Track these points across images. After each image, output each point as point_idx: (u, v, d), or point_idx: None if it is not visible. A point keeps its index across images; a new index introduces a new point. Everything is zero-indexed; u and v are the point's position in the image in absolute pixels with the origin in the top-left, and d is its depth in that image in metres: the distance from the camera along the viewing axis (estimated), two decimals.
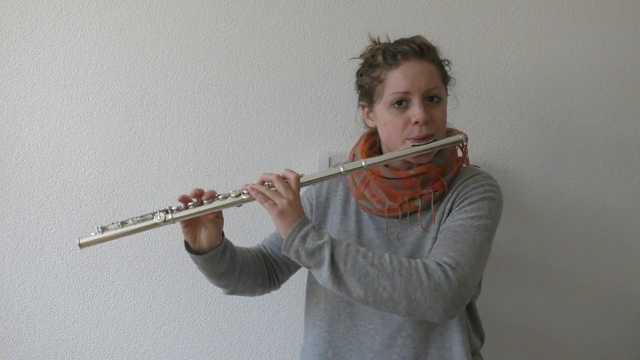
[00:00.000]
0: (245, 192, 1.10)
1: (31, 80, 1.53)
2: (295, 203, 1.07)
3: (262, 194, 1.07)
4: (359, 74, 1.25)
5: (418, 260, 1.05)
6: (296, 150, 1.59)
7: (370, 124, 1.24)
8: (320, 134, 1.59)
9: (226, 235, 1.20)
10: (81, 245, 1.08)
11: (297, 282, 1.57)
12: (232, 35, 1.57)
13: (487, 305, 1.61)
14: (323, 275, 1.03)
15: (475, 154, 1.34)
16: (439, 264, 1.03)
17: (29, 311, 1.56)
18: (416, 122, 1.13)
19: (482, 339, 1.25)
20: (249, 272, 1.24)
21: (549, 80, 1.63)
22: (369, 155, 1.21)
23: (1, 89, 1.52)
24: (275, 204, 1.06)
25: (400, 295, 1.00)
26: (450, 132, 1.25)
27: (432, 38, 1.20)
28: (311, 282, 1.28)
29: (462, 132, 1.25)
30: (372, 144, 1.26)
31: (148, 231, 1.54)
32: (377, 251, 1.06)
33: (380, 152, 1.25)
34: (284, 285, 1.35)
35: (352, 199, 1.26)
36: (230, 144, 1.58)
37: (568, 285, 1.68)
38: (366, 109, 1.24)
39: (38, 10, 1.52)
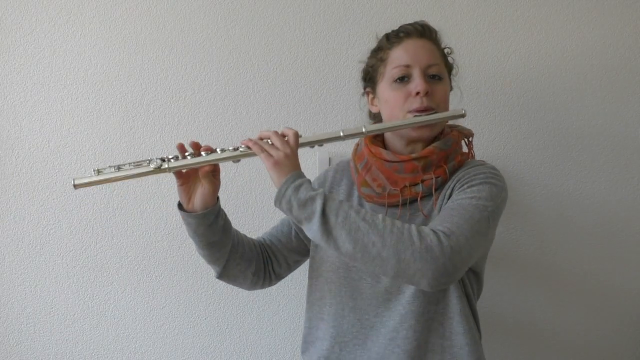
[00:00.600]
0: (243, 146, 1.09)
1: (31, 80, 1.53)
2: (292, 157, 1.06)
3: (259, 145, 1.07)
4: (365, 63, 1.27)
5: (412, 224, 1.03)
6: None
7: (374, 109, 1.25)
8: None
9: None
10: (76, 186, 1.07)
11: (297, 282, 1.57)
12: (232, 35, 1.57)
13: (487, 305, 1.61)
14: (313, 227, 1.01)
15: (476, 154, 1.34)
16: (433, 230, 1.01)
17: (29, 311, 1.56)
18: (417, 94, 1.14)
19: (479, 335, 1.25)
20: (242, 254, 1.22)
21: (549, 80, 1.63)
22: (373, 142, 1.22)
23: (1, 89, 1.52)
24: (271, 155, 1.05)
25: (389, 253, 0.98)
26: (454, 127, 1.25)
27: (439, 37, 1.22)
28: (313, 277, 1.27)
29: (466, 128, 1.26)
30: (375, 135, 1.25)
31: (148, 230, 1.57)
32: (371, 211, 1.04)
33: (383, 142, 1.24)
34: (283, 286, 1.35)
35: (355, 194, 1.25)
36: (231, 144, 1.57)
37: (568, 285, 1.68)
38: (370, 95, 1.26)
39: (38, 10, 1.52)
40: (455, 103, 1.26)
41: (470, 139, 1.25)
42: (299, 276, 1.39)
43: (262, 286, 1.30)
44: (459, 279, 1.06)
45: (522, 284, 1.67)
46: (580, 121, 1.65)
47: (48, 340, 1.58)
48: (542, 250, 1.67)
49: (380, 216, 1.02)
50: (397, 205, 1.16)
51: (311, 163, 1.58)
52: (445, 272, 0.98)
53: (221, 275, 1.23)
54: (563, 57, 1.63)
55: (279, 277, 1.32)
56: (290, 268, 1.33)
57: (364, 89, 1.29)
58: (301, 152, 1.48)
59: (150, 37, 1.55)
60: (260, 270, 1.26)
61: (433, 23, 1.25)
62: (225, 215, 1.19)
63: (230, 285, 1.27)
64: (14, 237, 1.54)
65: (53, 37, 1.52)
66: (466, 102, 1.58)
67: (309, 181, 1.06)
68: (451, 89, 1.26)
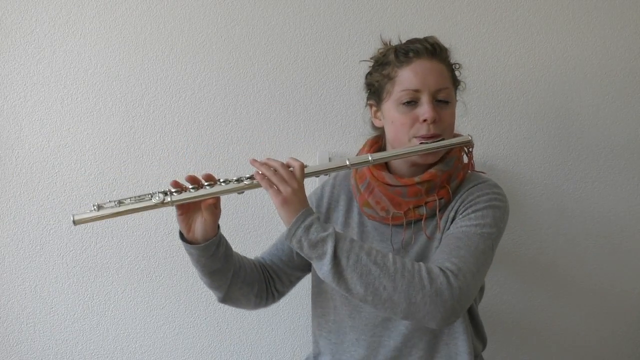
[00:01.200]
0: (247, 177, 1.07)
1: (31, 80, 1.53)
2: (300, 192, 1.04)
3: (267, 180, 1.04)
4: (369, 73, 1.24)
5: (422, 263, 1.03)
6: (296, 150, 1.59)
7: (378, 123, 1.23)
8: (320, 134, 1.59)
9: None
10: (75, 222, 1.05)
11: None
12: (232, 35, 1.57)
13: (487, 305, 1.61)
14: (324, 268, 1.01)
15: (476, 155, 1.34)
16: (441, 270, 1.01)
17: (29, 311, 1.56)
18: (424, 120, 1.13)
19: (484, 342, 1.25)
20: (244, 278, 1.20)
21: (549, 81, 1.63)
22: (375, 164, 1.19)
23: (1, 89, 1.52)
24: (279, 191, 1.03)
25: (400, 297, 0.99)
26: (456, 136, 1.24)
27: (449, 50, 1.20)
28: (315, 293, 1.27)
29: (467, 140, 1.23)
30: (378, 149, 1.24)
31: (148, 230, 1.57)
32: (381, 250, 1.04)
33: (386, 163, 1.22)
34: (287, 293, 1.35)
35: (355, 210, 1.24)
36: (230, 144, 1.58)
37: (568, 285, 1.68)
38: (374, 109, 1.24)
39: (38, 10, 1.52)
40: (458, 115, 1.23)
41: (470, 149, 1.23)
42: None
43: (266, 305, 1.28)
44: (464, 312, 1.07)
45: (522, 284, 1.67)
46: (580, 121, 1.65)
47: (48, 340, 1.57)
48: (542, 250, 1.67)
49: (390, 257, 1.02)
50: (401, 225, 1.17)
51: (311, 163, 1.56)
52: (453, 313, 1.00)
53: (224, 300, 1.21)
54: (563, 58, 1.63)
55: (282, 295, 1.31)
56: (292, 284, 1.32)
57: (367, 100, 1.26)
58: (301, 153, 1.48)
59: (150, 37, 1.55)
60: (262, 292, 1.25)
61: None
62: (227, 242, 1.17)
63: None
64: (14, 237, 1.54)
65: (53, 37, 1.52)
66: (466, 102, 1.58)
67: (319, 219, 1.05)
68: (456, 99, 1.24)
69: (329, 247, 1.00)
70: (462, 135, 1.20)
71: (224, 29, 1.57)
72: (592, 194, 1.67)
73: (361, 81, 1.29)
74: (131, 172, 1.56)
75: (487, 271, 1.11)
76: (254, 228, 1.59)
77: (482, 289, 1.24)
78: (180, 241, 1.14)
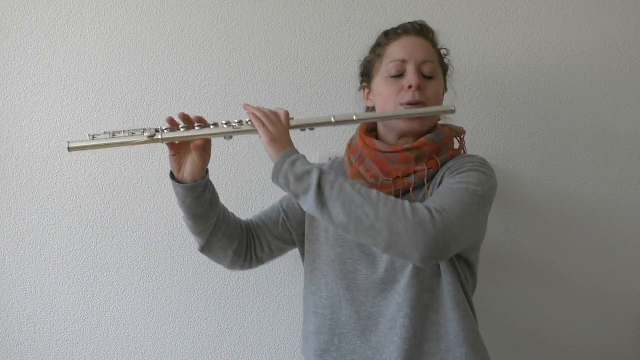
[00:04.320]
0: (236, 121, 1.12)
1: (31, 80, 1.53)
2: (285, 133, 1.10)
3: (260, 119, 1.10)
4: (361, 66, 1.31)
5: (406, 200, 1.05)
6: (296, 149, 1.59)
7: (369, 103, 1.28)
8: (320, 134, 1.59)
9: None
10: (70, 149, 1.08)
11: (297, 282, 1.57)
12: (232, 35, 1.57)
13: (487, 305, 1.61)
14: (309, 199, 1.03)
15: (475, 154, 1.35)
16: (425, 206, 1.02)
17: (29, 311, 1.56)
18: (409, 87, 1.17)
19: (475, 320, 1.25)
20: (226, 230, 1.23)
21: (549, 80, 1.63)
22: (367, 134, 1.25)
23: (1, 89, 1.52)
24: (269, 130, 1.08)
25: (382, 225, 0.99)
26: (446, 125, 1.28)
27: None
28: (308, 272, 1.28)
29: (458, 126, 1.29)
30: (371, 128, 1.28)
31: (148, 229, 1.57)
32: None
33: (377, 135, 1.27)
34: (283, 285, 1.35)
35: None
36: (230, 143, 1.58)
37: (568, 285, 1.68)
38: (366, 90, 1.29)
39: (38, 10, 1.52)
40: (449, 99, 1.27)
41: (462, 136, 1.27)
42: (299, 276, 1.39)
43: (242, 267, 1.31)
44: (449, 256, 1.08)
45: (522, 284, 1.67)
46: (581, 121, 1.65)
47: (48, 340, 1.57)
48: (542, 250, 1.67)
49: (374, 190, 1.04)
50: (390, 192, 1.17)
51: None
52: (436, 246, 0.99)
53: (203, 249, 1.24)
54: (563, 57, 1.63)
55: (260, 261, 1.32)
56: (272, 254, 1.33)
57: (361, 83, 1.32)
58: (301, 152, 1.48)
59: (150, 37, 1.55)
60: (242, 250, 1.27)
61: (433, 23, 1.26)
62: (214, 189, 1.21)
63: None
64: (14, 237, 1.54)
65: (53, 37, 1.52)
66: (466, 101, 1.59)
67: (304, 156, 1.08)
68: (445, 89, 1.29)
69: (314, 178, 1.03)
70: (452, 125, 1.25)
71: (224, 29, 1.57)
72: (592, 193, 1.67)
73: (359, 79, 1.32)
74: (131, 172, 1.56)
75: (475, 229, 1.11)
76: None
77: (474, 278, 1.24)
78: (186, 247, 1.21)
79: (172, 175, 1.18)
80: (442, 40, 1.29)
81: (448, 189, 1.09)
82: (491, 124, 1.63)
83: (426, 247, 0.99)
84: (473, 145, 1.56)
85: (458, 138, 1.26)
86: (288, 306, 1.62)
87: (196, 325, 1.61)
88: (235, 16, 1.57)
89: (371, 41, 1.29)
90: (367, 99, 1.29)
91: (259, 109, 1.13)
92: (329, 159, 1.56)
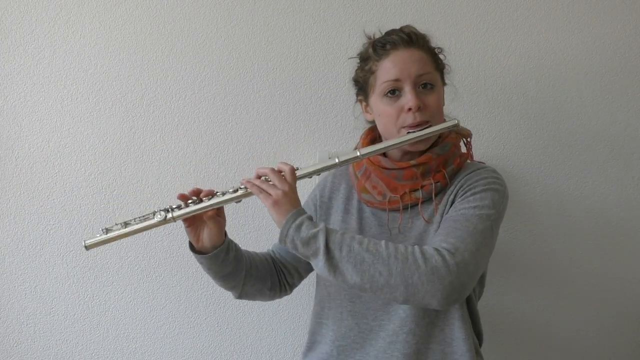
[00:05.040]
0: (242, 186, 1.11)
1: (31, 80, 1.53)
2: (291, 194, 1.07)
3: (257, 186, 1.08)
4: (355, 70, 1.26)
5: (416, 246, 1.04)
6: (296, 150, 1.59)
7: (369, 117, 1.25)
8: (320, 134, 1.59)
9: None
10: (87, 247, 1.12)
11: None
12: (232, 35, 1.57)
13: (487, 305, 1.61)
14: (319, 264, 1.03)
15: (475, 154, 1.34)
16: (436, 249, 1.02)
17: (29, 311, 1.56)
18: (409, 109, 1.13)
19: (480, 337, 1.25)
20: (257, 275, 1.24)
21: (549, 80, 1.63)
22: None
23: (1, 89, 1.52)
24: (270, 194, 1.06)
25: (397, 280, 0.99)
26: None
27: (431, 38, 1.20)
28: (317, 282, 1.28)
29: (464, 129, 1.25)
30: (373, 138, 1.26)
31: (148, 231, 1.56)
32: (372, 239, 1.05)
33: None
34: (298, 285, 1.35)
35: (354, 196, 1.26)
36: (230, 144, 1.58)
37: (568, 285, 1.68)
38: (363, 103, 1.26)
39: (38, 10, 1.52)
40: (450, 100, 1.25)
41: (468, 139, 1.25)
42: None
43: (280, 296, 1.32)
44: (468, 293, 1.06)
45: (522, 284, 1.67)
46: (580, 121, 1.65)
47: (48, 340, 1.57)
48: (542, 250, 1.66)
49: (382, 243, 1.03)
50: (398, 209, 1.17)
51: (311, 163, 1.58)
52: (453, 290, 1.00)
53: (240, 297, 1.26)
54: (563, 57, 1.63)
55: (294, 286, 1.34)
56: (302, 276, 1.34)
57: (357, 96, 1.28)
58: (302, 153, 1.48)
59: (150, 37, 1.55)
60: (275, 285, 1.28)
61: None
62: (236, 246, 1.21)
63: None
64: (14, 237, 1.54)
65: (53, 37, 1.52)
66: (466, 102, 1.59)
67: (310, 218, 1.06)
68: (444, 84, 1.25)
69: (321, 242, 1.02)
70: (450, 120, 1.21)
71: (224, 29, 1.57)
72: (592, 193, 1.67)
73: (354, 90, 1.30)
74: (131, 172, 1.56)
75: (489, 253, 1.10)
76: (256, 228, 1.59)
77: (482, 282, 1.24)
78: (190, 253, 1.18)
79: (192, 247, 1.18)
80: (442, 40, 1.26)
81: (461, 217, 1.08)
82: (491, 124, 1.63)
83: (443, 294, 0.99)
84: (473, 145, 1.55)
85: (464, 141, 1.24)
86: (288, 306, 1.62)
87: (196, 325, 1.61)
88: (235, 16, 1.57)
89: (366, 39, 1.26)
90: (366, 112, 1.26)
91: (258, 174, 1.11)
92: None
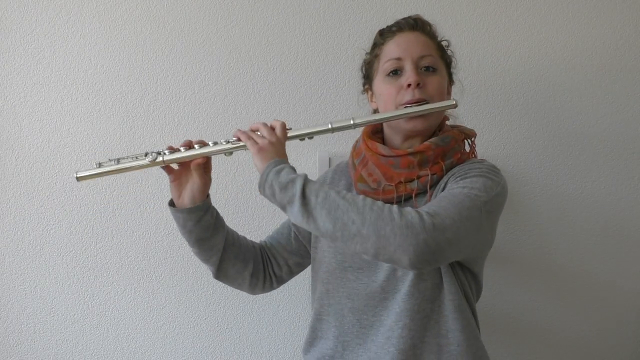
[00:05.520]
0: (234, 139, 1.13)
1: (31, 80, 1.53)
2: (277, 145, 1.08)
3: (246, 134, 1.10)
4: (362, 60, 1.29)
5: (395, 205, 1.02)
6: (296, 150, 1.58)
7: (373, 106, 1.26)
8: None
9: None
10: (78, 179, 1.14)
11: (297, 282, 1.56)
12: (232, 35, 1.57)
13: (487, 305, 1.61)
14: (294, 209, 1.01)
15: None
16: (416, 210, 0.99)
17: (29, 311, 1.56)
18: (408, 85, 1.13)
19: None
20: (237, 254, 1.22)
21: (549, 80, 1.63)
22: (370, 137, 1.21)
23: (1, 89, 1.52)
24: (256, 142, 1.08)
25: (369, 230, 0.96)
26: (456, 126, 1.24)
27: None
28: (314, 279, 1.27)
29: (469, 128, 1.25)
30: (376, 130, 1.25)
31: (148, 230, 1.57)
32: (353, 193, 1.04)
33: (382, 139, 1.24)
34: (284, 286, 1.35)
35: (353, 192, 1.24)
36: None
37: (568, 285, 1.68)
38: (369, 92, 1.26)
39: (38, 10, 1.52)
40: (456, 97, 1.23)
41: (472, 139, 1.23)
42: (299, 276, 1.38)
43: (263, 289, 1.30)
44: (444, 261, 1.05)
45: (522, 284, 1.67)
46: (580, 121, 1.65)
47: (48, 340, 1.58)
48: (542, 250, 1.67)
49: (361, 197, 1.02)
50: (392, 201, 1.15)
51: (311, 163, 1.58)
52: (427, 249, 0.95)
53: (217, 276, 1.23)
54: (563, 57, 1.63)
55: (281, 281, 1.32)
56: (292, 271, 1.33)
57: (364, 86, 1.29)
58: (301, 153, 1.48)
59: (150, 37, 1.55)
60: (259, 272, 1.27)
61: (433, 22, 1.25)
62: (217, 213, 1.20)
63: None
64: (14, 237, 1.54)
65: (53, 37, 1.52)
66: (466, 101, 1.59)
67: (291, 166, 1.06)
68: (452, 82, 1.25)
69: (298, 187, 1.01)
70: (460, 126, 1.21)
71: (224, 29, 1.57)
72: (592, 193, 1.67)
73: (361, 82, 1.30)
74: (131, 172, 1.55)
75: (475, 233, 1.04)
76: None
77: (479, 287, 1.22)
78: (185, 246, 1.19)
79: (171, 203, 1.18)
80: (441, 34, 1.26)
81: (448, 194, 1.05)
82: (491, 124, 1.63)
83: (415, 251, 0.95)
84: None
85: (469, 141, 1.22)
86: (288, 306, 1.62)
87: (196, 325, 1.61)
88: (235, 16, 1.57)
89: (371, 41, 1.27)
90: (371, 101, 1.26)
91: (252, 126, 1.13)
92: (329, 159, 1.57)
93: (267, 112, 1.58)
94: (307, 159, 1.58)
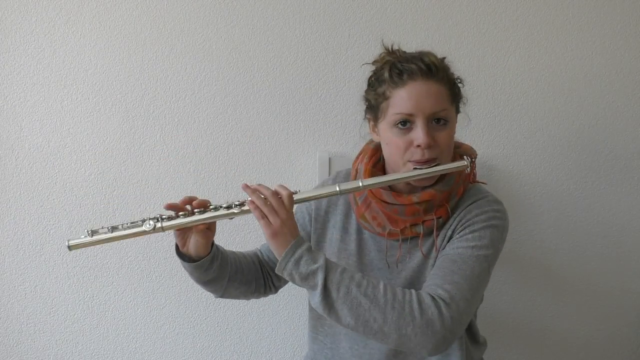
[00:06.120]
0: (236, 204, 1.08)
1: (31, 80, 1.53)
2: (289, 222, 1.05)
3: (259, 210, 1.04)
4: (368, 85, 1.20)
5: (413, 291, 1.02)
6: (296, 150, 1.59)
7: (376, 138, 1.21)
8: (320, 134, 1.59)
9: (219, 239, 1.18)
10: (70, 248, 1.07)
11: None
12: (232, 35, 1.57)
13: (487, 305, 1.61)
14: (315, 299, 1.02)
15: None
16: (433, 298, 1.01)
17: (29, 311, 1.56)
18: (418, 146, 1.09)
19: (481, 347, 1.25)
20: (241, 279, 1.22)
21: (549, 80, 1.63)
22: (372, 174, 1.18)
23: (1, 89, 1.52)
24: (270, 222, 1.04)
25: (390, 329, 0.99)
26: (459, 147, 1.22)
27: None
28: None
29: (470, 149, 1.22)
30: (377, 160, 1.22)
31: None
32: (372, 279, 1.03)
33: (384, 170, 1.21)
34: (284, 286, 1.35)
35: (353, 217, 1.23)
36: (230, 144, 1.58)
37: (568, 285, 1.68)
38: (372, 123, 1.20)
39: (38, 10, 1.52)
40: (460, 127, 1.21)
41: (473, 159, 1.20)
42: None
43: (265, 296, 1.32)
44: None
45: (522, 284, 1.67)
46: (580, 121, 1.65)
47: (48, 340, 1.58)
48: (542, 250, 1.67)
49: (381, 288, 1.02)
50: (397, 240, 1.15)
51: (311, 163, 1.58)
52: (444, 342, 1.00)
53: (221, 297, 1.25)
54: (563, 57, 1.63)
55: (279, 287, 1.33)
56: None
57: (365, 114, 1.22)
58: (302, 153, 1.47)
59: (150, 37, 1.55)
60: (260, 287, 1.28)
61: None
62: (222, 254, 1.18)
63: None
64: (14, 237, 1.54)
65: (53, 37, 1.52)
66: (466, 102, 1.58)
67: (308, 250, 1.04)
68: (458, 111, 1.20)
69: (319, 280, 1.01)
70: (464, 147, 1.20)
71: (224, 29, 1.57)
72: (592, 193, 1.67)
73: (361, 81, 1.28)
74: (131, 172, 1.56)
75: (482, 294, 1.12)
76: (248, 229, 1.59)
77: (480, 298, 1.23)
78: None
79: (177, 249, 1.15)
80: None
81: (459, 258, 1.06)
82: (491, 124, 1.63)
83: (434, 346, 1.00)
84: (473, 145, 1.55)
85: (469, 160, 1.17)
86: (288, 306, 1.62)
87: (196, 325, 1.61)
88: (235, 16, 1.57)
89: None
90: (373, 132, 1.20)
91: (259, 193, 1.06)
92: (329, 159, 1.57)
93: (267, 111, 1.58)
94: (307, 159, 1.58)
